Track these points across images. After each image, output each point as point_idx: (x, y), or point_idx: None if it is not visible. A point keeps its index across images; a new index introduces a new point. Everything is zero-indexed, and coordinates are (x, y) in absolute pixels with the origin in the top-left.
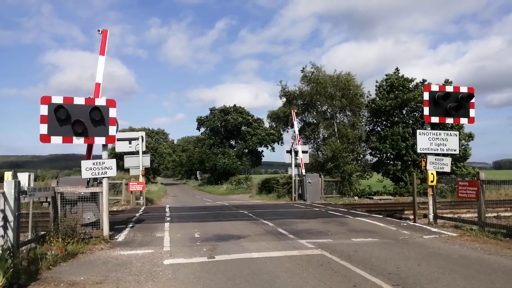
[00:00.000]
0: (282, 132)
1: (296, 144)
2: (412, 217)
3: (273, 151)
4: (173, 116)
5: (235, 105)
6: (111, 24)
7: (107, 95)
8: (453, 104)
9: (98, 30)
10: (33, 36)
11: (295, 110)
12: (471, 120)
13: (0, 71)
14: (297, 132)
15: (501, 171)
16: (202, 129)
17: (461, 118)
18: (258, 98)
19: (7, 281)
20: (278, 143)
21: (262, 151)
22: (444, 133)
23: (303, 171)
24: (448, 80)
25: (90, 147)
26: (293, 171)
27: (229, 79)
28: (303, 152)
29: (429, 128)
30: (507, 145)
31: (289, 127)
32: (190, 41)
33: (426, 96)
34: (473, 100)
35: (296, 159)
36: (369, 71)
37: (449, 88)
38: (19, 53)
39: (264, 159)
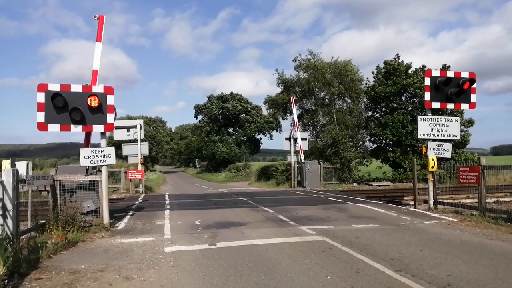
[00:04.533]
0: (280, 120)
1: (295, 131)
2: (412, 203)
3: (271, 139)
4: (173, 104)
5: (231, 92)
6: (116, 14)
7: (109, 84)
8: (454, 90)
9: (95, 16)
10: (38, 26)
11: (294, 97)
12: (472, 106)
13: (3, 61)
14: (296, 119)
15: (498, 156)
16: (200, 117)
17: (462, 104)
18: (258, 86)
19: (8, 269)
20: (277, 131)
21: (261, 138)
22: (445, 118)
23: (303, 158)
24: (446, 65)
25: (88, 135)
26: (292, 158)
27: (230, 67)
28: (302, 139)
29: (430, 114)
30: (504, 131)
31: (288, 114)
32: (193, 30)
33: (427, 81)
34: (474, 85)
35: (295, 146)
36: (370, 58)
37: (450, 74)
38: (23, 43)
39: (262, 147)
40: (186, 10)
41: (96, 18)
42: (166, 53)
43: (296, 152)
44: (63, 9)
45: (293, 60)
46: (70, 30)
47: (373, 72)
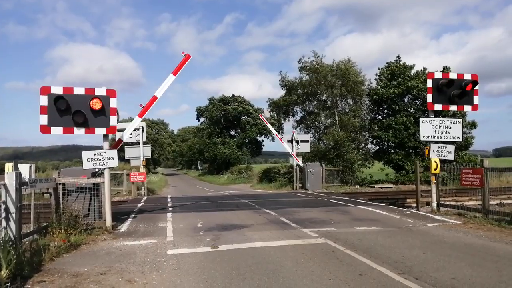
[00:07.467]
0: (282, 122)
1: (297, 133)
2: (414, 205)
3: (273, 141)
4: (177, 107)
5: (233, 94)
6: (123, 19)
7: (113, 87)
8: (456, 92)
9: (183, 52)
10: (46, 31)
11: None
12: (475, 108)
13: (10, 65)
14: (275, 132)
15: (501, 158)
16: (202, 119)
17: (464, 106)
18: (262, 88)
19: (11, 272)
20: (279, 133)
21: (263, 140)
22: (448, 120)
23: (300, 162)
24: (446, 66)
25: (119, 141)
26: (294, 161)
27: (234, 71)
28: (304, 141)
29: (433, 116)
30: (507, 133)
31: (290, 116)
32: (198, 35)
33: (429, 83)
34: (476, 87)
35: (297, 148)
36: (373, 61)
37: (452, 75)
38: (30, 47)
39: (264, 149)
40: (192, 15)
41: (184, 54)
42: (171, 56)
43: (298, 155)
44: (71, 14)
45: (298, 62)
46: (77, 34)
47: (376, 74)
